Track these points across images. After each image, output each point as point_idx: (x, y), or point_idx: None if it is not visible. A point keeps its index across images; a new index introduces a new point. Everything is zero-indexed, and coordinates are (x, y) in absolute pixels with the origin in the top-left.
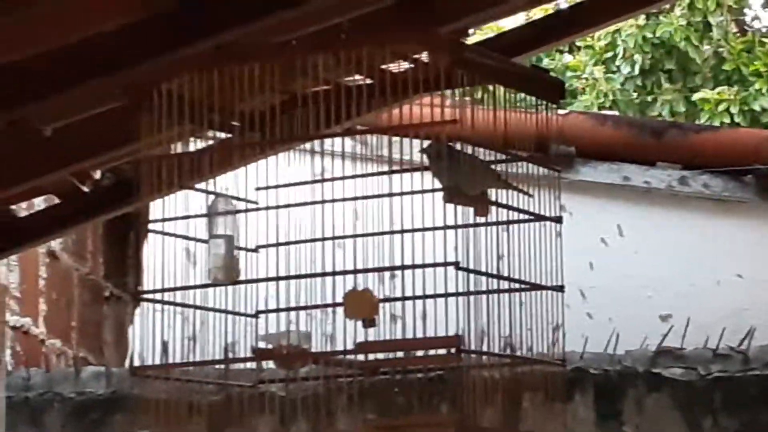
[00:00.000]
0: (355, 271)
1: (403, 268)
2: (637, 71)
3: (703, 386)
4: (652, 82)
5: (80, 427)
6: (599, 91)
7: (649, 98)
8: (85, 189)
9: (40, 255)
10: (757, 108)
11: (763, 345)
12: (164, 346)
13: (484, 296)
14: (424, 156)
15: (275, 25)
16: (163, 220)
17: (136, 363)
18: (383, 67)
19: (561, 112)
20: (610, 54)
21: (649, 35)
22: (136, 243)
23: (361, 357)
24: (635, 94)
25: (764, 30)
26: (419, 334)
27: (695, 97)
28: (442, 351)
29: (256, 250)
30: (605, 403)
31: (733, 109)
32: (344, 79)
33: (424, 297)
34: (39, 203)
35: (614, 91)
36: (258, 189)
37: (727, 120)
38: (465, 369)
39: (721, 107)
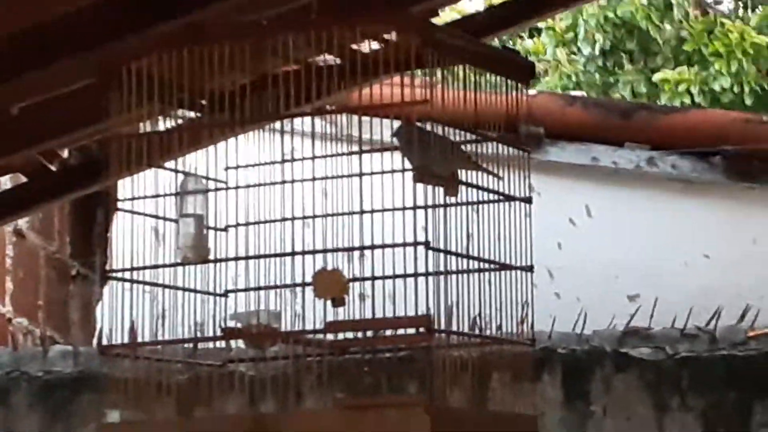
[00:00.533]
0: (324, 251)
1: (372, 247)
2: (598, 52)
3: (670, 366)
4: (613, 63)
5: (47, 406)
6: (562, 72)
7: (612, 79)
8: (53, 168)
9: (6, 234)
10: (717, 88)
11: (731, 325)
12: (132, 325)
13: (454, 276)
14: (395, 139)
15: (245, 5)
16: (132, 198)
17: (104, 342)
18: (353, 47)
19: (530, 92)
20: (571, 35)
21: (610, 15)
22: (104, 222)
23: (330, 336)
24: (598, 76)
25: (726, 11)
26: (388, 314)
27: (655, 77)
28: (411, 330)
29: (225, 229)
30: (573, 383)
31: (693, 90)
32: (314, 59)
33: (394, 276)
34: (5, 182)
35: (577, 72)
36: (227, 168)
37: (687, 100)
38: (434, 348)
39: (681, 87)
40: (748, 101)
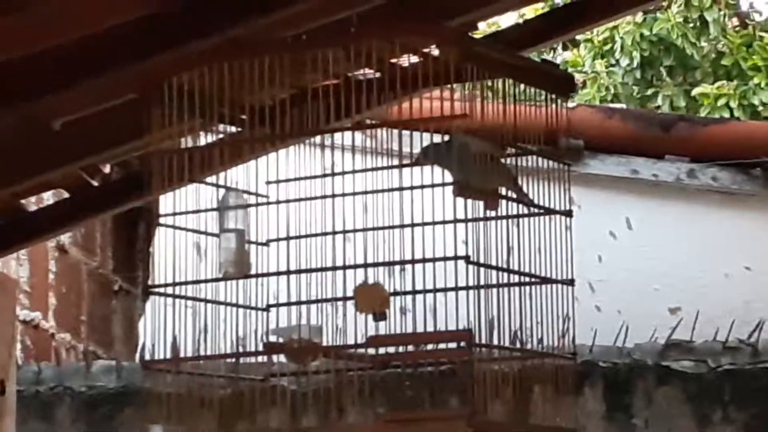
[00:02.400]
0: (365, 265)
1: (413, 262)
2: (635, 64)
3: (712, 379)
4: (651, 76)
5: (91, 421)
6: (600, 84)
7: (650, 92)
8: (95, 183)
9: (49, 249)
10: (756, 102)
11: None
12: (174, 340)
13: (494, 290)
14: (422, 156)
15: (284, 20)
16: (174, 214)
17: (147, 357)
18: (392, 60)
19: (569, 105)
20: (609, 47)
21: (646, 33)
22: (146, 237)
23: (371, 351)
24: (635, 88)
25: (764, 23)
26: (429, 328)
27: (695, 91)
28: (452, 344)
29: (266, 244)
30: (615, 396)
31: (733, 104)
32: (353, 72)
33: (435, 290)
34: (48, 198)
35: (615, 84)
36: (268, 183)
37: (726, 114)
38: (475, 362)
39: (720, 102)
40: None
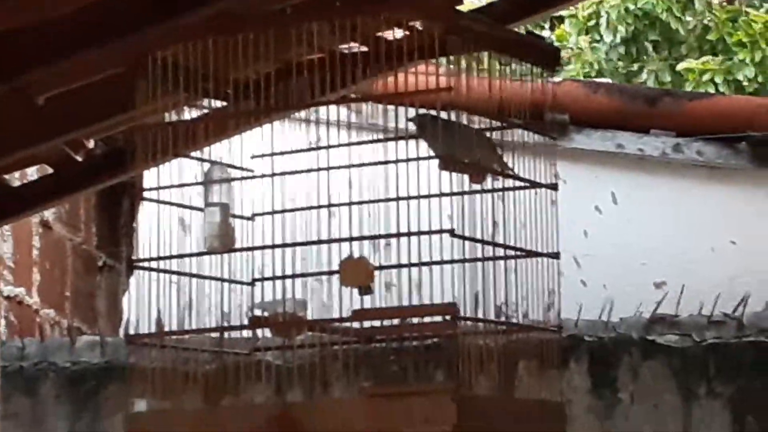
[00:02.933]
0: (350, 239)
1: (398, 235)
2: (619, 39)
3: (697, 353)
4: (636, 51)
5: (75, 397)
6: (584, 60)
7: (635, 67)
8: (79, 158)
9: (33, 225)
10: (741, 78)
11: (758, 311)
12: (158, 314)
13: (480, 264)
14: (411, 124)
15: None
16: (159, 188)
17: (131, 332)
18: (378, 34)
19: (555, 79)
20: (593, 23)
21: (631, 7)
22: (129, 212)
23: (356, 325)
24: (621, 63)
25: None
26: (414, 302)
27: (679, 66)
28: (438, 318)
29: (251, 218)
30: (600, 371)
31: (718, 79)
32: (339, 46)
33: (420, 264)
34: (32, 173)
35: (599, 60)
36: (253, 157)
37: (711, 90)
38: (460, 336)
39: (705, 77)
40: None
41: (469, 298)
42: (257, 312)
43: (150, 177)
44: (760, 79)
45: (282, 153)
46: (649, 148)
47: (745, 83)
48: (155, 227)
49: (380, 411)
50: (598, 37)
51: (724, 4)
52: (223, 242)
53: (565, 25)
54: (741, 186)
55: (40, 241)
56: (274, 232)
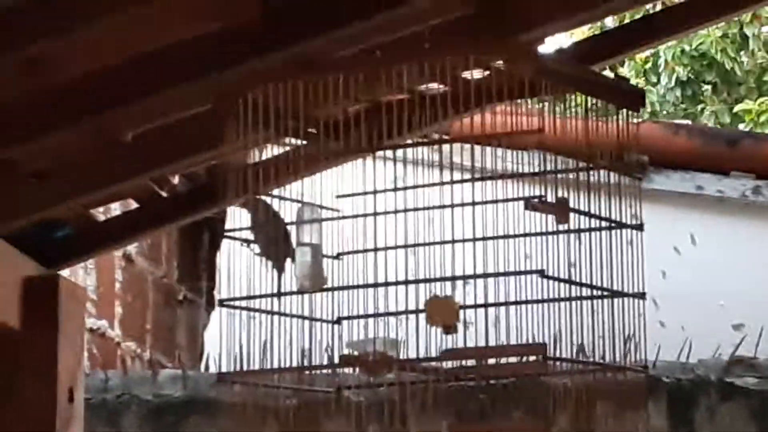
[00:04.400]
0: (443, 279)
1: (489, 275)
2: (674, 83)
3: None
4: (692, 93)
5: (157, 429)
6: None
7: (694, 110)
8: (163, 194)
9: (116, 259)
10: None
11: None
12: (241, 351)
13: (564, 303)
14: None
15: (355, 35)
16: (248, 228)
17: (214, 368)
18: (463, 75)
19: (635, 120)
20: (649, 65)
21: (687, 48)
22: (210, 247)
23: (447, 364)
24: (673, 107)
25: None
26: (491, 342)
27: (737, 108)
28: (530, 358)
29: (337, 257)
30: (678, 412)
31: None
32: (423, 87)
33: (508, 303)
34: (115, 208)
35: (653, 102)
36: (338, 197)
37: None
38: (547, 377)
39: (763, 118)
40: None
41: (551, 337)
42: (347, 351)
43: (233, 214)
44: None
45: (367, 192)
46: (728, 189)
47: None
48: (238, 264)
49: None
50: (655, 80)
51: None
52: (314, 282)
53: (624, 68)
54: None
55: (123, 275)
56: (358, 272)
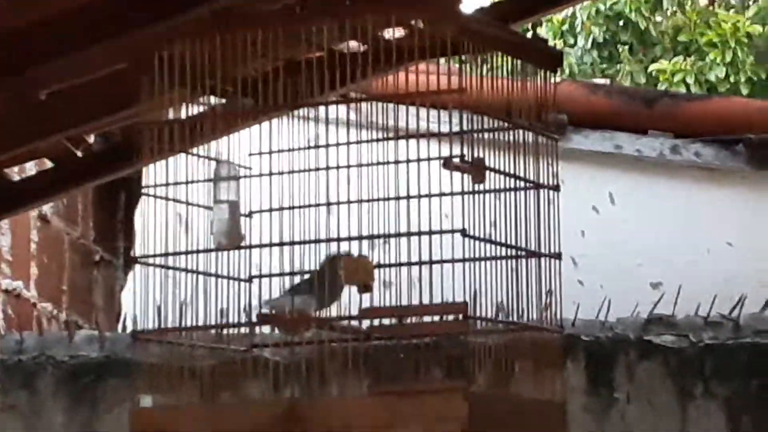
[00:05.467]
0: (360, 238)
1: (410, 234)
2: (590, 44)
3: (694, 353)
4: (609, 54)
5: (73, 391)
6: None
7: (613, 69)
8: (79, 153)
9: (31, 219)
10: (712, 78)
11: (754, 313)
12: (159, 310)
13: (483, 263)
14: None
15: None
16: (158, 185)
17: (132, 327)
18: (383, 34)
19: (554, 80)
20: (566, 26)
21: (602, 8)
22: (126, 207)
23: (366, 323)
24: (591, 68)
25: (732, 1)
26: (414, 301)
27: (651, 67)
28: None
29: (249, 215)
30: (597, 370)
31: (689, 80)
32: (342, 45)
33: (425, 263)
34: (30, 167)
35: (571, 64)
36: (251, 155)
37: (683, 90)
38: (466, 335)
39: (677, 78)
40: (744, 90)
41: (474, 297)
42: (264, 309)
43: (149, 172)
44: (732, 79)
45: (280, 151)
46: (646, 149)
47: (717, 83)
48: (153, 223)
49: (391, 409)
50: (572, 41)
51: (699, 4)
52: (231, 239)
53: (541, 30)
54: (738, 188)
55: (38, 235)
56: (272, 231)
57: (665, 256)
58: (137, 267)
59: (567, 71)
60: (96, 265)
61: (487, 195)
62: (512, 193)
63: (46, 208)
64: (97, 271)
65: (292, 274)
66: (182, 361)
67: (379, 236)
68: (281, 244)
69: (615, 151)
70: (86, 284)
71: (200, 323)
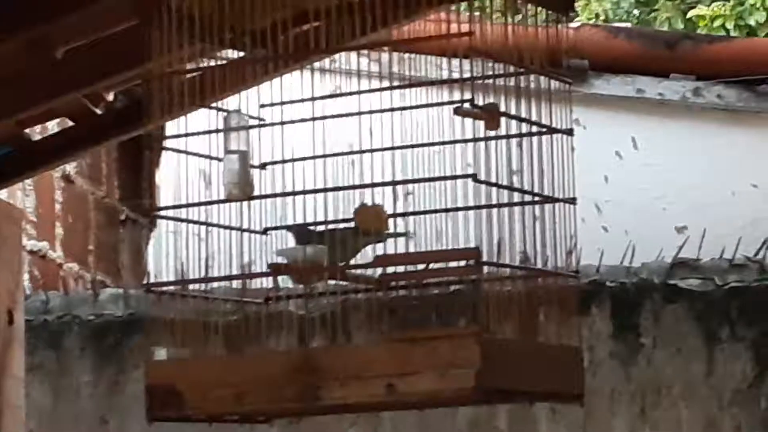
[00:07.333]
0: (372, 185)
1: (419, 181)
2: None
3: (719, 296)
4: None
5: (99, 349)
6: (591, 10)
7: (649, 15)
8: (99, 111)
9: (55, 179)
10: (752, 23)
11: None
12: (180, 264)
13: (499, 210)
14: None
15: None
16: (177, 136)
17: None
18: None
19: (573, 25)
20: None
21: None
22: (150, 165)
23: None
24: (626, 14)
25: None
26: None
27: (691, 13)
28: (461, 263)
29: (263, 166)
30: (622, 316)
31: (729, 25)
32: None
33: (438, 211)
34: (52, 127)
35: (606, 10)
36: (263, 106)
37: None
38: (482, 282)
39: (716, 23)
40: None
41: (490, 244)
42: (277, 259)
43: (172, 128)
44: None
45: (292, 102)
46: (668, 92)
47: (757, 28)
48: (175, 179)
49: (403, 356)
50: None
51: None
52: (242, 190)
53: None
54: (761, 128)
55: (63, 195)
56: (285, 182)
57: (689, 199)
58: (160, 224)
59: (603, 17)
60: (122, 224)
61: (502, 142)
62: (526, 138)
63: (70, 168)
64: (123, 231)
65: (307, 224)
66: (199, 315)
67: (390, 183)
68: (295, 193)
69: (637, 96)
70: (112, 244)
71: (219, 275)
